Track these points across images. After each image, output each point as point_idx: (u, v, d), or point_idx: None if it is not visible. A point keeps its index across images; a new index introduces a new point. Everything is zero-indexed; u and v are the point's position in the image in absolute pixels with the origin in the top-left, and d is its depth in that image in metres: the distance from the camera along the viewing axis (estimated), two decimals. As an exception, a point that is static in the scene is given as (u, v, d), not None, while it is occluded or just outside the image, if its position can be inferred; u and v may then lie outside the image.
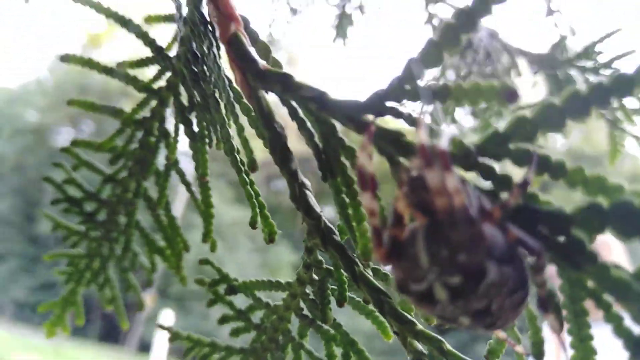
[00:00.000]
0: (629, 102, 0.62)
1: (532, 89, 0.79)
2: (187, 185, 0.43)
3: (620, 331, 0.22)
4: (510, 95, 0.19)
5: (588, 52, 0.63)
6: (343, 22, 0.85)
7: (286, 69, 0.26)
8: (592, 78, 0.64)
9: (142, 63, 0.40)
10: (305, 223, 0.29)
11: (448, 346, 0.30)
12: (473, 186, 0.21)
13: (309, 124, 0.26)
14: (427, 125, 0.21)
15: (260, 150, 0.33)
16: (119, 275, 0.53)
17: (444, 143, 0.19)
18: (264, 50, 0.30)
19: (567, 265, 0.21)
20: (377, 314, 0.33)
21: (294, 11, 0.86)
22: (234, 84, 0.29)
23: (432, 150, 0.19)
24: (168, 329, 0.46)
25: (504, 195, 0.20)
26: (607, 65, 0.61)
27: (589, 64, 0.63)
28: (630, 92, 0.19)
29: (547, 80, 0.70)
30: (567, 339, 0.24)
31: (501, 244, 0.19)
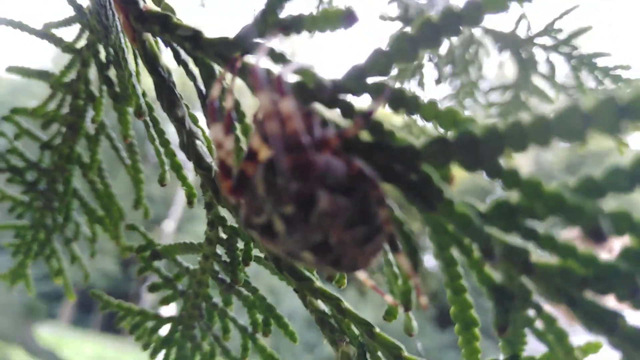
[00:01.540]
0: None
1: (499, 69, 0.78)
2: (116, 150, 0.42)
3: (482, 279, 0.21)
4: (349, 18, 0.18)
5: (548, 29, 0.62)
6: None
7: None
8: (553, 56, 0.63)
9: (66, 22, 0.39)
10: (198, 175, 0.28)
11: (346, 304, 0.29)
12: (322, 118, 0.20)
13: (192, 67, 0.25)
14: (268, 49, 0.20)
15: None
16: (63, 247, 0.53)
17: (282, 70, 0.19)
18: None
19: (422, 206, 0.20)
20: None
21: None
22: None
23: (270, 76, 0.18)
24: (99, 296, 0.45)
25: (347, 125, 0.19)
26: (566, 42, 0.59)
27: (549, 41, 0.62)
28: (481, 17, 0.18)
29: (513, 59, 0.68)
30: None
31: (338, 173, 0.18)
